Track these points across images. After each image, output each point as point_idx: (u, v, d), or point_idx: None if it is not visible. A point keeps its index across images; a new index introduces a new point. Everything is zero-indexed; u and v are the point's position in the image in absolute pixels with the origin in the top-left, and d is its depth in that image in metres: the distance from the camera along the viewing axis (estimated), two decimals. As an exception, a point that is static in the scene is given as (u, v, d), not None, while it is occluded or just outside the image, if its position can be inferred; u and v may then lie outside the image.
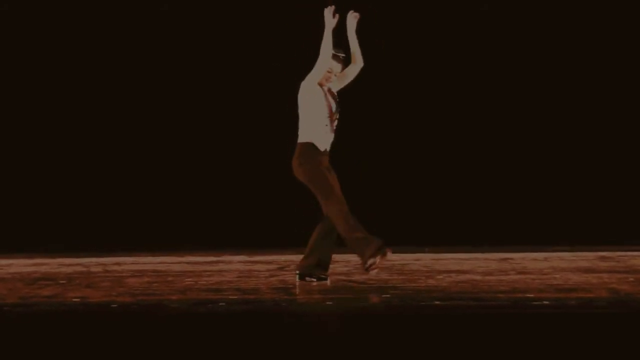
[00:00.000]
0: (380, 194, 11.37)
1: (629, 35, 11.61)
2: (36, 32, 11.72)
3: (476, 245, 10.94)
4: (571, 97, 11.68)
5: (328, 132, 7.79)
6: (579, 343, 5.35)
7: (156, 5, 11.71)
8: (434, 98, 11.68)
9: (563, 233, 11.33)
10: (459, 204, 11.61)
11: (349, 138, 8.28)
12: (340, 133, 8.02)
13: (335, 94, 7.90)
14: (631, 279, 7.88)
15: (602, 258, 9.74)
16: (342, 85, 7.96)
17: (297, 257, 9.30)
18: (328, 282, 7.75)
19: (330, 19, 7.70)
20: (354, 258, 9.66)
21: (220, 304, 6.74)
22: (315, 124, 7.75)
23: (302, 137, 7.80)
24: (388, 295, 7.09)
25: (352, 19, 7.86)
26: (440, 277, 8.25)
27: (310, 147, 7.75)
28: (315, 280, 7.77)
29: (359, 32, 7.90)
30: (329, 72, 7.75)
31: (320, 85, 7.78)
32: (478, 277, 8.14)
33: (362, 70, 8.00)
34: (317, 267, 7.79)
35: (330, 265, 7.92)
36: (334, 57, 7.76)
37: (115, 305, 6.71)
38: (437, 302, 6.69)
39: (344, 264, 9.13)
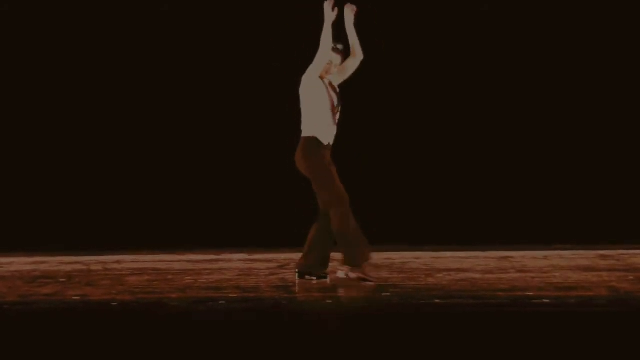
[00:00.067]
0: (380, 193, 11.37)
1: (629, 35, 11.60)
2: (36, 32, 11.72)
3: (476, 243, 10.94)
4: (572, 95, 11.67)
5: (331, 125, 7.81)
6: (578, 341, 5.35)
7: (156, 5, 11.71)
8: (433, 97, 11.68)
9: (563, 231, 11.33)
10: (458, 203, 11.60)
11: (350, 137, 8.27)
12: (340, 132, 8.02)
13: (337, 87, 7.92)
14: (631, 278, 7.88)
15: (602, 256, 9.74)
16: (342, 79, 7.99)
17: (297, 256, 9.30)
18: (328, 280, 7.75)
19: (329, 13, 7.76)
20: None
21: (220, 302, 6.75)
22: (318, 117, 7.78)
23: (306, 131, 7.82)
24: (388, 294, 7.09)
25: (350, 12, 7.91)
26: (440, 275, 8.25)
27: (314, 141, 7.77)
28: (315, 278, 7.77)
29: (357, 25, 7.92)
30: (328, 64, 7.80)
31: (321, 78, 7.81)
32: (478, 276, 8.14)
33: (363, 68, 8.01)
34: (318, 265, 7.79)
35: (330, 263, 7.92)
36: (333, 49, 7.81)
37: (115, 304, 6.71)
38: (437, 301, 6.69)
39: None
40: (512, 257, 9.76)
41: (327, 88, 7.81)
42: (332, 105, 7.80)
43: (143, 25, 11.64)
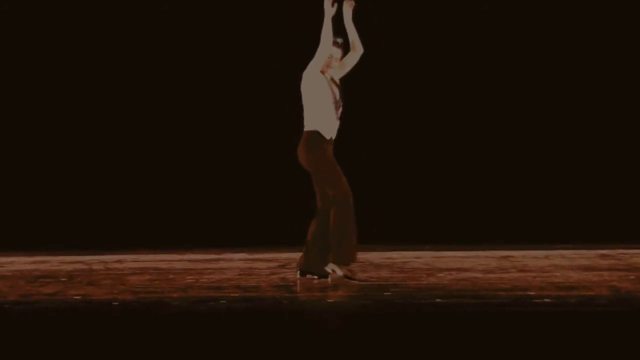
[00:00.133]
0: (380, 192, 11.37)
1: (629, 35, 11.60)
2: (36, 32, 11.72)
3: (477, 243, 10.94)
4: (572, 95, 11.68)
5: (333, 119, 7.83)
6: (579, 341, 5.35)
7: (156, 5, 11.71)
8: (433, 97, 11.68)
9: (564, 231, 11.33)
10: (459, 202, 11.61)
11: (350, 137, 8.28)
12: (341, 132, 8.03)
13: (338, 81, 7.95)
14: (632, 277, 7.88)
15: (603, 256, 9.74)
16: (343, 73, 8.01)
17: (298, 255, 9.31)
18: (329, 279, 7.75)
19: (329, 8, 7.82)
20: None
21: (221, 301, 6.75)
22: (321, 112, 7.80)
23: (308, 125, 7.83)
24: (389, 293, 7.09)
25: (348, 7, 7.94)
26: (441, 274, 8.25)
27: (317, 135, 7.78)
28: (316, 277, 7.78)
29: (356, 20, 7.95)
30: (329, 58, 7.84)
31: (322, 72, 7.84)
32: (479, 275, 8.15)
33: (364, 67, 8.01)
34: (319, 263, 7.79)
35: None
36: (334, 43, 7.85)
37: (116, 303, 6.71)
38: (438, 300, 6.69)
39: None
40: (513, 257, 9.77)
41: (328, 82, 7.84)
42: (334, 99, 7.83)
43: (143, 25, 11.65)
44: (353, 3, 7.95)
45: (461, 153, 11.71)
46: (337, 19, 7.96)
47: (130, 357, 5.09)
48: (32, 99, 11.79)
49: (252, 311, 6.42)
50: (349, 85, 8.11)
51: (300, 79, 7.89)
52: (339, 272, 7.66)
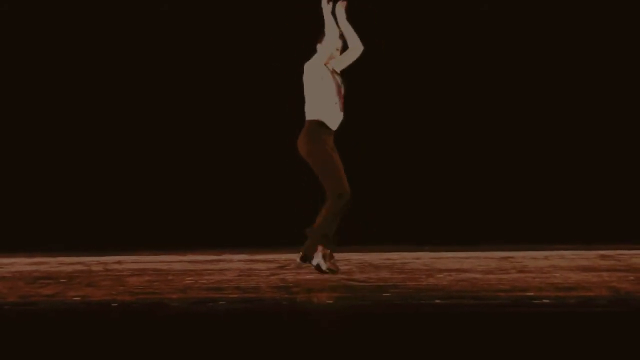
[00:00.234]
0: (380, 193, 11.37)
1: (629, 35, 11.60)
2: (36, 32, 11.72)
3: (476, 243, 10.94)
4: (572, 96, 11.67)
5: (337, 110, 7.88)
6: (579, 341, 5.35)
7: (156, 5, 11.71)
8: (432, 97, 11.68)
9: (563, 232, 11.33)
10: (459, 203, 11.61)
11: (349, 137, 8.28)
12: (340, 131, 8.04)
13: (339, 72, 8.01)
14: (631, 278, 7.88)
15: (603, 257, 9.74)
16: (340, 68, 8.04)
17: (298, 256, 9.29)
18: (335, 273, 7.80)
19: (325, 5, 7.86)
20: (354, 257, 9.67)
21: (221, 302, 6.75)
22: (324, 102, 7.85)
23: (310, 115, 7.87)
24: (388, 294, 7.09)
25: (340, 7, 7.97)
26: (441, 275, 8.25)
27: (319, 124, 7.82)
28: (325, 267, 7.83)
29: (356, 20, 7.99)
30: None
31: (325, 64, 7.89)
32: (478, 276, 8.15)
33: (365, 67, 8.03)
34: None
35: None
36: None
37: (115, 304, 6.71)
38: (437, 301, 6.69)
39: (344, 262, 9.13)
40: (512, 258, 9.76)
41: (331, 73, 7.90)
42: (338, 89, 7.89)
43: (143, 25, 11.65)
44: (344, 3, 7.98)
45: (461, 153, 11.70)
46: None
47: (129, 359, 5.09)
48: (32, 99, 11.79)
49: (252, 312, 6.42)
50: (349, 85, 8.12)
51: (302, 70, 7.94)
52: (324, 267, 7.76)
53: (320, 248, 7.85)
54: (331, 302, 6.85)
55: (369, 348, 5.23)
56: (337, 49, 7.98)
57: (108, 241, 11.38)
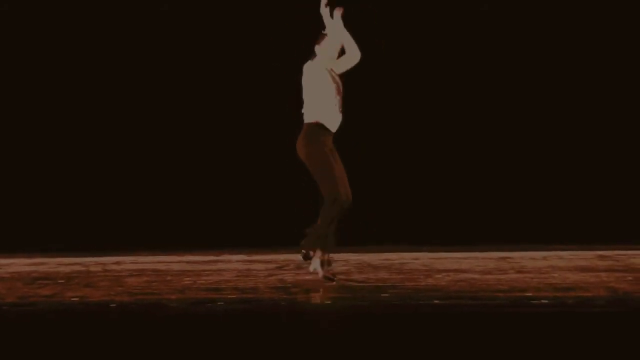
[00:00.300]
0: (379, 193, 11.37)
1: (628, 35, 11.60)
2: (36, 32, 11.72)
3: (475, 244, 10.95)
4: (571, 96, 11.68)
5: (337, 112, 7.87)
6: (577, 342, 5.35)
7: (156, 5, 11.71)
8: (431, 97, 11.67)
9: (561, 232, 11.33)
10: (457, 203, 11.60)
11: (348, 137, 8.28)
12: (339, 132, 8.03)
13: (337, 74, 8.00)
14: (629, 278, 7.88)
15: (601, 257, 9.74)
16: (337, 72, 8.03)
17: (296, 257, 9.30)
18: (334, 283, 7.78)
19: (323, 9, 7.87)
20: (352, 257, 9.67)
21: (219, 303, 6.75)
22: (324, 104, 7.84)
23: (309, 117, 7.86)
24: (387, 294, 7.09)
25: (336, 13, 7.95)
26: (439, 276, 8.25)
27: (318, 126, 7.81)
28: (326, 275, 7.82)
29: (356, 20, 7.97)
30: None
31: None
32: (477, 276, 8.15)
33: (364, 67, 8.01)
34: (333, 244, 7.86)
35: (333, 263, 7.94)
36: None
37: (114, 305, 6.71)
38: (436, 301, 6.69)
39: (342, 263, 9.13)
40: (510, 258, 9.77)
41: (330, 74, 7.89)
42: (337, 90, 7.88)
43: (143, 25, 11.65)
44: (341, 9, 7.96)
45: (459, 154, 11.70)
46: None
47: (128, 359, 5.09)
48: (32, 100, 11.79)
49: (250, 313, 6.42)
50: (348, 86, 8.11)
51: (301, 71, 7.93)
52: (320, 273, 7.74)
53: (318, 253, 7.82)
54: (330, 302, 6.85)
55: (368, 348, 5.23)
56: (337, 50, 7.96)
57: (106, 242, 11.37)
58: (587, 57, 11.61)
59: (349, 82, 8.16)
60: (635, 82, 11.61)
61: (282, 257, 10.10)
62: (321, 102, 7.85)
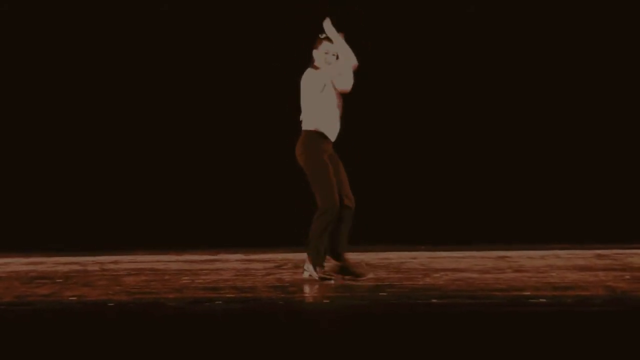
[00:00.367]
0: (377, 193, 11.37)
1: (628, 34, 11.60)
2: (36, 32, 11.72)
3: (473, 243, 10.95)
4: (568, 96, 11.68)
5: (336, 121, 7.87)
6: (575, 341, 5.35)
7: (156, 5, 11.71)
8: (427, 97, 11.68)
9: (560, 231, 11.34)
10: (455, 202, 11.61)
11: (346, 137, 8.28)
12: (339, 132, 8.03)
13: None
14: (627, 277, 7.88)
15: (599, 256, 9.75)
16: (341, 86, 7.99)
17: (294, 256, 9.31)
18: (332, 282, 7.78)
19: (326, 24, 7.82)
20: (351, 256, 9.66)
21: (217, 302, 6.74)
22: (324, 113, 7.83)
23: (308, 125, 7.85)
24: (385, 294, 7.09)
25: (325, 24, 7.91)
26: (437, 275, 8.25)
27: (317, 134, 7.81)
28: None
29: (346, 25, 7.96)
30: (325, 52, 7.86)
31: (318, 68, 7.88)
32: (475, 275, 8.15)
33: (362, 67, 7.99)
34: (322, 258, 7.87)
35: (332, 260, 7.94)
36: (326, 38, 7.87)
37: (112, 304, 6.71)
38: (433, 300, 6.69)
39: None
40: (509, 257, 9.77)
41: (330, 82, 7.87)
42: (337, 99, 7.87)
43: (143, 25, 11.64)
44: (327, 19, 7.93)
45: (457, 153, 11.71)
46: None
47: (125, 358, 5.09)
48: (31, 99, 11.79)
49: (248, 312, 6.42)
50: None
51: (300, 72, 7.92)
52: (315, 276, 7.77)
53: (309, 259, 7.86)
54: (328, 301, 6.85)
55: (366, 347, 5.23)
56: (333, 54, 7.91)
57: (104, 241, 11.37)
58: (583, 56, 11.61)
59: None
60: (630, 82, 11.61)
61: (280, 256, 10.11)
62: (322, 111, 7.83)
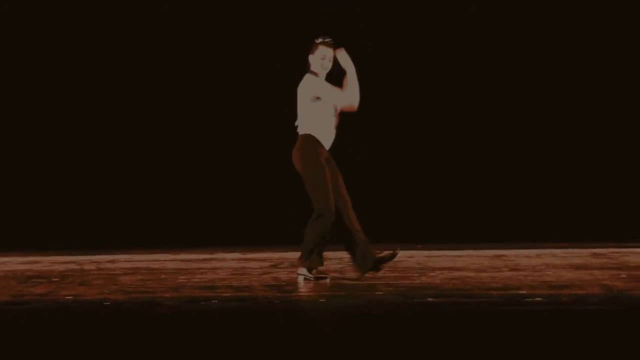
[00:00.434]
0: (373, 192, 11.38)
1: (627, 34, 11.61)
2: (36, 32, 11.72)
3: (469, 242, 10.95)
4: (564, 96, 11.69)
5: (332, 128, 7.86)
6: (571, 339, 5.35)
7: (156, 5, 11.71)
8: (425, 98, 11.69)
9: (556, 230, 11.35)
10: (452, 201, 11.62)
11: (344, 137, 8.29)
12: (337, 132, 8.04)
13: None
14: (623, 276, 7.89)
15: (595, 255, 9.75)
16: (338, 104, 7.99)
17: (291, 255, 9.31)
18: (327, 281, 7.78)
19: (340, 54, 7.77)
20: (347, 256, 9.67)
21: (213, 301, 6.74)
22: (321, 122, 7.83)
23: (304, 129, 7.84)
24: (381, 292, 7.09)
25: (338, 54, 7.89)
26: (433, 274, 8.25)
27: (314, 139, 7.80)
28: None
29: (354, 63, 7.92)
30: (322, 58, 7.84)
31: (317, 74, 7.86)
32: (471, 274, 8.15)
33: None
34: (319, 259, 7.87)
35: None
36: (323, 43, 7.84)
37: (108, 303, 6.71)
38: (430, 299, 6.69)
39: (336, 261, 9.13)
40: (505, 256, 9.77)
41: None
42: (335, 109, 7.87)
43: (143, 25, 11.64)
44: (340, 49, 7.90)
45: (453, 153, 11.72)
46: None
47: (122, 357, 5.09)
48: (30, 99, 11.78)
49: (244, 311, 6.42)
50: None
51: (299, 73, 7.91)
52: (311, 277, 7.77)
53: (302, 263, 7.86)
54: (324, 300, 6.85)
55: (362, 346, 5.23)
56: (329, 59, 7.88)
57: (101, 240, 11.37)
58: (579, 54, 11.63)
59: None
60: (626, 80, 11.62)
61: (276, 255, 10.11)
62: (319, 120, 7.83)
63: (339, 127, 7.96)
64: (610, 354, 4.98)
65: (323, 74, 7.89)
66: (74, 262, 9.75)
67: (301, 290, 7.36)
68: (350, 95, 7.83)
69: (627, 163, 11.62)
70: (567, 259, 9.42)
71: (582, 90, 11.64)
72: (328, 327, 5.97)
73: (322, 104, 7.83)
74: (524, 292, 6.97)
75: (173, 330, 5.75)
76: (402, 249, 10.46)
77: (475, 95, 11.68)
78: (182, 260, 9.81)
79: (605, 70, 11.62)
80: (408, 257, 9.77)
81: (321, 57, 7.84)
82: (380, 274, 8.25)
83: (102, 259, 9.99)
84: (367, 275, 7.87)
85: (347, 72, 7.84)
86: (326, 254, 7.98)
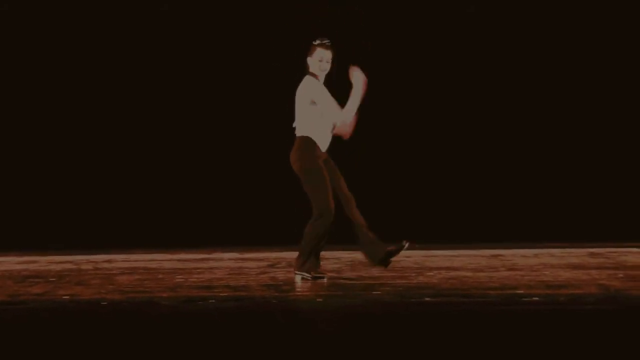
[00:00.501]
0: (372, 191, 11.37)
1: (627, 34, 11.61)
2: (36, 32, 11.71)
3: (466, 241, 10.95)
4: (562, 96, 11.69)
5: (328, 131, 7.86)
6: (568, 339, 5.36)
7: (156, 5, 11.71)
8: (424, 98, 11.69)
9: (553, 229, 11.35)
10: (449, 201, 11.62)
11: (343, 137, 8.29)
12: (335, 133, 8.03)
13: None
14: (620, 275, 7.89)
15: (592, 254, 9.76)
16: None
17: (288, 254, 9.31)
18: (325, 280, 7.78)
19: (355, 73, 7.77)
20: (344, 255, 9.68)
21: (211, 301, 6.74)
22: (318, 125, 7.83)
23: (301, 131, 7.84)
24: (379, 292, 7.09)
25: (353, 71, 7.88)
26: (431, 273, 8.25)
27: (310, 140, 7.81)
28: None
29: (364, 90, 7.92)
30: (319, 60, 7.83)
31: (316, 77, 7.85)
32: (468, 274, 8.15)
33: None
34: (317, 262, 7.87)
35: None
36: (321, 45, 7.84)
37: (105, 303, 6.70)
38: (427, 299, 6.70)
39: (334, 261, 9.13)
40: (502, 255, 9.78)
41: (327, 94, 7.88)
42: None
43: (143, 25, 11.64)
44: (356, 68, 7.87)
45: (451, 152, 11.72)
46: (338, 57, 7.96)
47: (119, 357, 5.08)
48: (30, 99, 11.78)
49: (242, 310, 6.42)
50: (345, 87, 8.09)
51: (299, 73, 7.91)
52: (309, 277, 7.79)
53: (302, 263, 7.88)
54: (321, 300, 6.85)
55: (359, 346, 5.23)
56: (327, 61, 7.88)
57: (98, 240, 11.37)
58: (578, 54, 11.63)
59: (347, 83, 8.13)
60: (623, 81, 11.63)
61: (273, 255, 10.11)
62: (315, 121, 7.83)
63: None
64: (607, 353, 4.99)
65: (322, 75, 7.89)
66: (71, 262, 9.75)
67: (299, 290, 7.36)
68: (344, 114, 7.82)
69: (624, 163, 11.63)
70: (564, 258, 9.42)
71: (580, 90, 11.65)
72: (326, 326, 5.97)
73: (320, 106, 7.84)
74: (522, 291, 6.97)
75: (170, 330, 5.75)
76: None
77: (474, 95, 11.69)
78: (179, 260, 9.81)
79: (604, 70, 11.63)
80: (405, 257, 9.77)
81: (319, 59, 7.83)
82: (377, 273, 8.26)
83: (100, 259, 9.99)
84: (373, 269, 7.90)
85: (353, 90, 7.83)
86: (324, 253, 7.99)
